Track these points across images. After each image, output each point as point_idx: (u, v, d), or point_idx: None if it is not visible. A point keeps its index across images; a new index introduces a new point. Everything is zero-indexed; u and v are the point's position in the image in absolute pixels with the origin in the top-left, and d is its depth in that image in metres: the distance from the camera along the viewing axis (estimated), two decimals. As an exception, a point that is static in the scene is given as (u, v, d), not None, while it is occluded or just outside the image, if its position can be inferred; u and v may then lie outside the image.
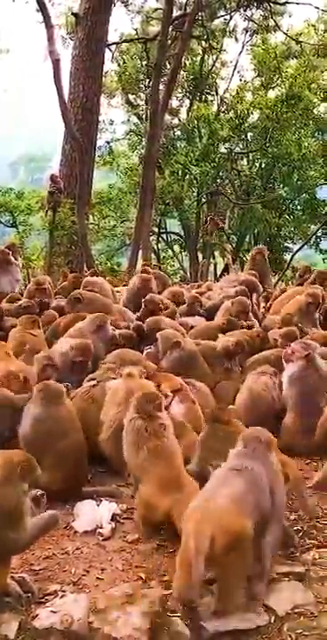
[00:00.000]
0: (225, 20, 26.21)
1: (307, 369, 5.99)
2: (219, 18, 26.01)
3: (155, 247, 25.90)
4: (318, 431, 5.61)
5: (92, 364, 6.49)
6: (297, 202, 25.14)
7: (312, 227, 24.87)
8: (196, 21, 22.18)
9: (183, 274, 23.88)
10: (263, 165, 25.48)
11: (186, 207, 25.84)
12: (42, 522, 3.91)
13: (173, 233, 28.42)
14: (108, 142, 26.91)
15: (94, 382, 5.89)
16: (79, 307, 8.20)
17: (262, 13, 25.17)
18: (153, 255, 22.55)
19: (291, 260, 24.16)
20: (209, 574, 3.63)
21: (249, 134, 24.68)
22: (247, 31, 26.40)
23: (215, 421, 4.94)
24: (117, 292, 10.60)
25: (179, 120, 27.46)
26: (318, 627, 3.50)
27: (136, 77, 27.00)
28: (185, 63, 24.88)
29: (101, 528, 4.52)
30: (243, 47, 26.74)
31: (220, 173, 24.00)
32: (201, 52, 26.51)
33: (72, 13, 20.79)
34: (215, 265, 25.65)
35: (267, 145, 23.45)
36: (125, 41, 26.53)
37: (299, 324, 7.58)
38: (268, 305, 9.65)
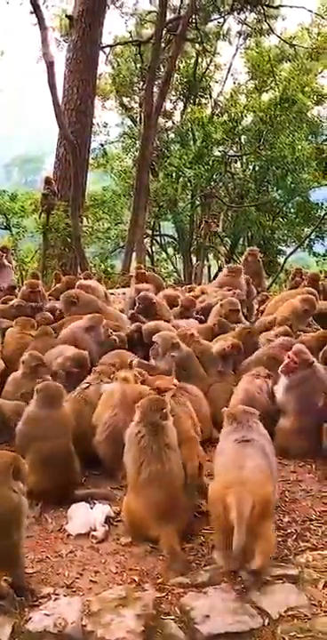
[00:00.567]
0: (219, 23, 26.25)
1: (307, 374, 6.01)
2: (212, 21, 26.03)
3: (149, 249, 25.90)
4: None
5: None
6: (290, 205, 25.15)
7: (305, 229, 24.90)
8: (190, 24, 22.21)
9: (177, 276, 23.91)
10: (257, 168, 25.50)
11: (180, 210, 25.85)
12: None
13: (167, 235, 28.43)
14: (102, 145, 26.91)
15: (85, 385, 5.89)
16: (74, 309, 8.19)
17: (256, 16, 25.20)
18: (147, 257, 22.53)
19: (285, 262, 24.22)
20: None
21: (242, 137, 24.71)
22: (241, 34, 26.47)
23: None
24: (111, 294, 10.60)
25: (173, 123, 27.48)
26: (312, 629, 3.50)
27: (130, 80, 27.00)
28: (179, 66, 24.90)
29: (95, 531, 4.52)
30: (236, 50, 26.82)
31: (214, 176, 24.00)
32: (195, 55, 26.52)
33: (66, 16, 20.79)
34: (209, 267, 25.69)
35: (261, 148, 23.47)
36: (119, 43, 26.53)
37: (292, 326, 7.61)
38: (263, 307, 9.65)
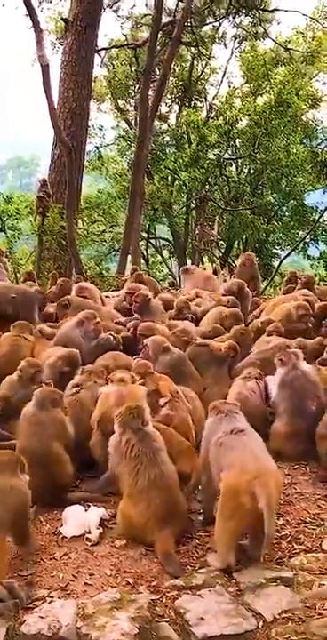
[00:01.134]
0: (214, 26, 26.30)
1: (292, 372, 6.04)
2: (208, 24, 26.08)
3: (145, 252, 25.90)
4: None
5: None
6: (285, 208, 25.19)
7: (300, 233, 24.94)
8: (186, 28, 22.24)
9: (172, 279, 23.89)
10: (252, 172, 25.55)
11: (175, 213, 25.87)
12: None
13: (162, 238, 28.45)
14: (98, 147, 26.86)
15: (78, 388, 5.88)
16: (67, 312, 8.27)
17: (251, 20, 25.28)
18: (142, 260, 22.53)
19: (279, 265, 24.27)
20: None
21: (238, 140, 24.72)
22: (236, 38, 26.53)
23: None
24: (106, 297, 10.60)
25: (169, 126, 27.51)
26: (306, 632, 3.51)
27: (125, 83, 27.01)
28: (174, 69, 24.92)
29: (89, 533, 4.52)
30: (232, 54, 26.89)
31: (209, 179, 24.01)
32: (190, 59, 26.57)
33: (62, 19, 20.79)
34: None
35: (256, 151, 23.49)
36: (115, 46, 26.53)
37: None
38: (259, 311, 9.65)
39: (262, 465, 4.23)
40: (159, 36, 19.99)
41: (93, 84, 21.82)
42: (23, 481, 4.21)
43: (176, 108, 27.67)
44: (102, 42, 23.99)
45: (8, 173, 73.45)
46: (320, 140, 24.96)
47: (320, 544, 4.38)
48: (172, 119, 27.67)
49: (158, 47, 20.82)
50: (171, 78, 24.41)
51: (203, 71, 27.14)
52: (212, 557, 4.24)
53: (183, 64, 26.63)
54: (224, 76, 27.13)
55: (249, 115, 23.37)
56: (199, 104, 27.39)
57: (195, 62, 26.64)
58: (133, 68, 26.29)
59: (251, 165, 25.01)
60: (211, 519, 4.41)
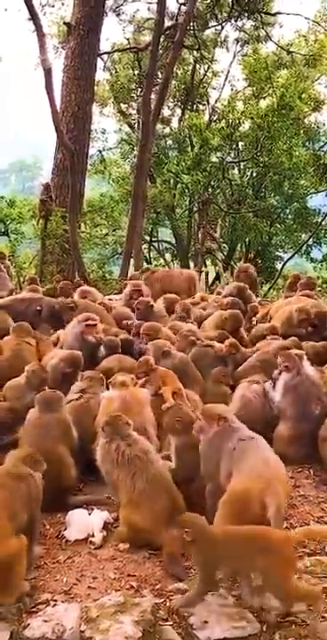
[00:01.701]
0: (216, 30, 26.37)
1: (297, 377, 6.04)
2: (210, 28, 26.12)
3: (147, 255, 25.93)
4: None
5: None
6: (288, 211, 25.21)
7: (303, 235, 24.96)
8: (188, 31, 22.27)
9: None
10: (254, 174, 25.57)
11: (177, 216, 25.90)
12: None
13: (165, 241, 28.48)
14: (100, 151, 26.93)
15: (79, 395, 5.88)
16: (73, 314, 8.27)
17: (253, 24, 25.31)
18: (145, 264, 22.54)
19: (282, 268, 24.28)
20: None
21: (240, 143, 24.75)
22: (238, 41, 26.58)
23: None
24: (109, 299, 10.62)
25: (171, 129, 27.56)
26: (310, 635, 3.50)
27: (128, 87, 27.07)
28: (176, 73, 24.98)
29: (93, 537, 4.52)
30: (234, 57, 26.96)
31: (212, 182, 24.05)
32: (192, 62, 26.62)
33: (64, 23, 20.83)
34: (206, 274, 25.69)
35: (259, 154, 23.52)
36: (117, 50, 26.58)
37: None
38: (261, 316, 9.64)
39: (272, 473, 4.27)
40: (161, 39, 20.01)
41: (96, 87, 21.85)
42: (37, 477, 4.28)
43: (178, 111, 27.75)
44: (105, 46, 24.16)
45: (11, 177, 73.55)
46: (322, 143, 24.99)
47: (324, 547, 4.37)
48: (175, 122, 27.77)
49: (160, 51, 20.85)
50: (173, 82, 24.45)
51: (205, 74, 27.19)
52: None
53: (185, 67, 26.69)
54: (226, 79, 27.23)
55: (251, 118, 23.41)
56: (201, 107, 27.47)
57: (198, 66, 26.69)
58: (136, 72, 26.36)
59: (254, 168, 25.03)
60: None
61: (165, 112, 25.98)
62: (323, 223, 24.02)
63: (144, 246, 24.11)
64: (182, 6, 22.88)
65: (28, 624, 3.56)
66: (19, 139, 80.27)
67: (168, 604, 3.80)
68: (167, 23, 21.46)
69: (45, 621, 3.57)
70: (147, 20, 25.91)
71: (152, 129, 19.21)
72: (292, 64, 25.16)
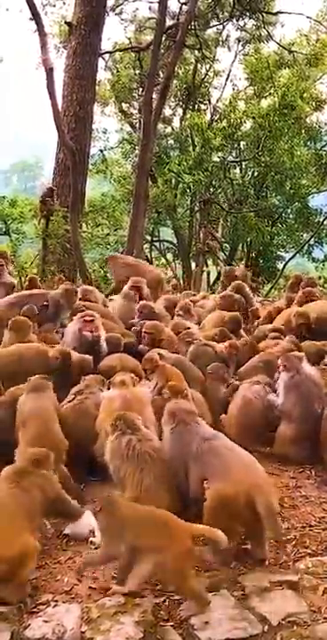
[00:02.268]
0: (218, 29, 26.37)
1: (297, 376, 6.03)
2: (211, 27, 26.14)
3: (148, 255, 25.92)
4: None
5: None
6: (289, 210, 25.24)
7: (304, 235, 24.96)
8: (189, 31, 22.26)
9: (176, 282, 23.90)
10: (256, 174, 25.58)
11: (179, 215, 25.91)
12: None
13: (166, 241, 28.48)
14: (102, 151, 26.95)
15: (73, 396, 5.87)
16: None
17: (255, 23, 25.30)
18: (146, 263, 22.54)
19: (284, 268, 24.28)
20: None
21: (241, 143, 24.78)
22: (240, 41, 26.59)
23: None
24: (110, 299, 10.61)
25: (173, 129, 27.56)
26: (311, 636, 3.48)
27: (129, 86, 27.07)
28: (178, 72, 24.96)
29: (94, 537, 4.50)
30: (235, 56, 26.96)
31: (213, 182, 24.08)
32: (194, 62, 26.61)
33: (65, 22, 20.84)
34: (208, 273, 25.71)
35: (260, 154, 23.54)
36: (119, 50, 26.61)
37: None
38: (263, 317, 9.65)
39: (254, 473, 4.29)
40: (163, 39, 20.00)
41: (97, 87, 21.87)
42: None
43: (180, 111, 27.74)
44: (106, 45, 24.20)
45: (13, 177, 73.66)
46: (324, 143, 24.97)
47: (325, 547, 4.36)
48: (176, 122, 27.77)
49: (162, 50, 20.83)
50: (174, 81, 24.44)
51: (206, 74, 27.17)
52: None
53: (187, 67, 26.69)
54: (228, 78, 27.22)
55: (253, 117, 23.45)
56: (203, 107, 27.45)
57: (199, 65, 26.69)
58: (137, 72, 26.38)
59: (255, 168, 25.05)
60: None
61: (167, 112, 26.01)
62: (325, 223, 24.03)
63: (145, 246, 24.11)
64: (183, 6, 22.90)
65: (29, 624, 3.56)
66: (19, 139, 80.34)
67: (169, 604, 3.79)
68: (168, 23, 21.47)
69: (46, 622, 3.56)
70: (149, 19, 25.93)
71: (153, 128, 19.20)
72: (294, 63, 25.15)
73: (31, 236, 18.65)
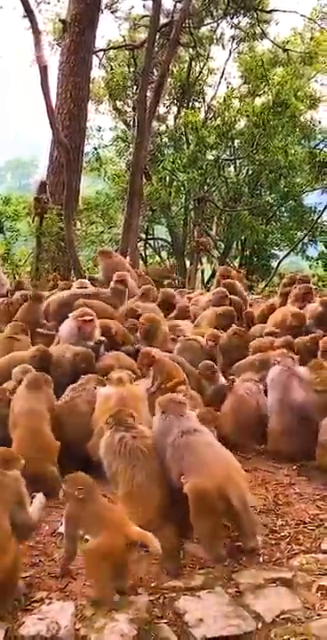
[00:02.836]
0: (212, 27, 26.26)
1: (283, 372, 6.07)
2: (206, 25, 26.06)
3: (143, 253, 25.88)
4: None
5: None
6: (283, 209, 25.25)
7: (298, 233, 24.98)
8: (184, 29, 22.22)
9: (170, 280, 23.89)
10: (250, 172, 25.56)
11: (173, 213, 25.87)
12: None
13: (161, 239, 28.43)
14: (96, 148, 26.82)
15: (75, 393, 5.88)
16: None
17: (249, 21, 25.22)
18: (140, 261, 22.52)
19: (278, 266, 24.31)
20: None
21: (236, 141, 24.73)
22: (234, 39, 26.48)
23: None
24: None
25: (167, 127, 27.48)
26: (305, 633, 3.50)
27: (123, 84, 26.96)
28: (172, 70, 24.87)
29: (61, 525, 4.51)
30: (230, 54, 26.82)
31: (208, 180, 24.02)
32: (188, 60, 26.55)
33: (59, 20, 20.79)
34: (202, 271, 25.69)
35: (254, 152, 23.53)
36: (113, 48, 26.54)
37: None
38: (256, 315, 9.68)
39: (229, 466, 4.34)
40: (157, 37, 19.97)
41: (91, 85, 21.83)
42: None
43: (174, 108, 27.64)
44: (100, 43, 24.11)
45: (7, 174, 73.41)
46: (318, 141, 24.97)
47: (319, 545, 4.38)
48: (171, 120, 27.66)
49: (156, 48, 20.80)
50: (169, 79, 24.35)
51: (201, 72, 27.09)
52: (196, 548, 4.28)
53: (181, 65, 26.60)
54: (222, 76, 27.07)
55: (247, 115, 23.42)
56: (197, 105, 27.36)
57: (194, 63, 26.60)
58: (131, 69, 26.28)
59: (250, 166, 25.03)
60: None
61: (161, 109, 25.88)
62: (319, 221, 24.06)
63: (140, 244, 24.07)
64: (178, 3, 22.85)
65: (23, 622, 3.55)
66: (19, 138, 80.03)
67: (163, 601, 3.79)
68: (163, 20, 21.41)
69: (40, 619, 3.56)
70: (143, 17, 25.83)
71: (148, 126, 19.14)
72: (288, 62, 25.10)
73: (25, 233, 18.60)
